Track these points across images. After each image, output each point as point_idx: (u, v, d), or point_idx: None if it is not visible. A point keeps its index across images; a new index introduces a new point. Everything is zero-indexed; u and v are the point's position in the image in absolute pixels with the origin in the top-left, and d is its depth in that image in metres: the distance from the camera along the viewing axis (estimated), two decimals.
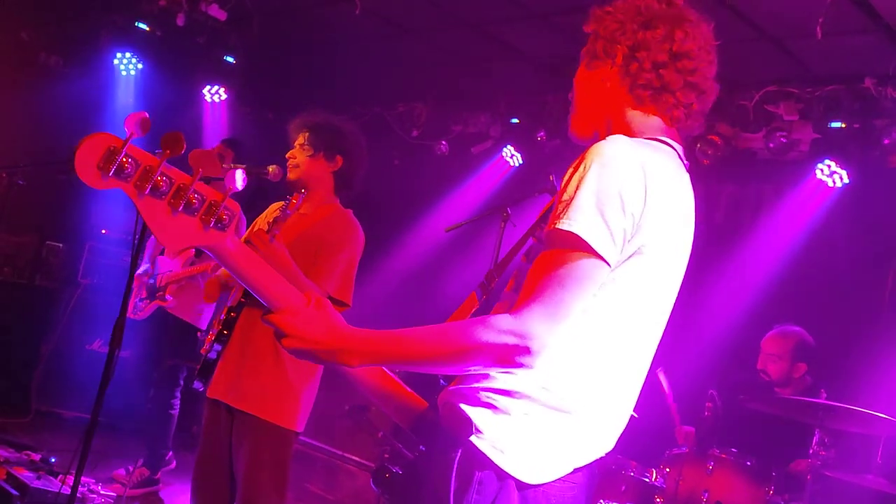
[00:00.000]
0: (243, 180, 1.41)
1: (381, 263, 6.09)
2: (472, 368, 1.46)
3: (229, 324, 3.00)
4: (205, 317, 4.79)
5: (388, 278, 6.21)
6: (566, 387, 1.50)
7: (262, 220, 3.27)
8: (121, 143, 1.29)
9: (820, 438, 3.38)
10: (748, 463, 3.56)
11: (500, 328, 1.40)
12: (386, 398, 1.69)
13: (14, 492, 3.81)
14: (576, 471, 1.53)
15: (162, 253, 4.89)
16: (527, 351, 1.38)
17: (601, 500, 3.58)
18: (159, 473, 4.81)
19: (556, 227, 1.43)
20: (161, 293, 4.49)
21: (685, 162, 1.65)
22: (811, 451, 3.38)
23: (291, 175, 3.12)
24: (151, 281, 4.67)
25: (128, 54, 6.15)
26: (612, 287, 1.49)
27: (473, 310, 1.73)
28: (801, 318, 4.21)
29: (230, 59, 6.31)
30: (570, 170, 1.49)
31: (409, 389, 1.68)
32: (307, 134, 3.14)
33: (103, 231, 6.07)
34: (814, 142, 4.89)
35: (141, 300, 4.72)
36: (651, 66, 1.60)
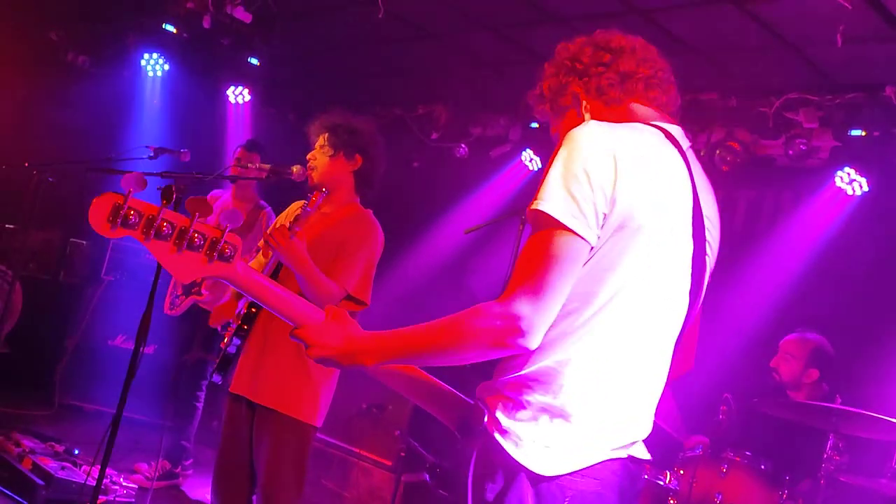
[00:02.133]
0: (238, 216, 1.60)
1: (400, 264, 6.14)
2: (472, 355, 1.53)
3: (249, 319, 3.06)
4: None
5: (407, 278, 6.26)
6: (578, 375, 1.52)
7: (284, 218, 3.34)
8: (122, 199, 1.51)
9: (834, 443, 3.39)
10: (762, 466, 3.57)
11: (488, 313, 1.48)
12: (427, 398, 1.77)
13: (39, 481, 3.90)
14: (599, 465, 1.53)
15: None
16: (517, 331, 1.46)
17: None
18: (179, 467, 4.89)
19: (529, 208, 1.51)
20: (196, 289, 4.57)
21: (681, 142, 1.70)
22: (825, 456, 3.39)
23: (312, 176, 3.18)
24: None
25: (155, 55, 6.25)
26: (607, 265, 1.52)
27: None
28: (818, 325, 4.21)
29: (254, 61, 6.40)
30: (549, 161, 1.57)
31: (450, 389, 1.75)
32: (326, 135, 3.19)
33: None
34: (833, 149, 4.88)
35: (177, 297, 4.82)
36: (605, 68, 1.74)
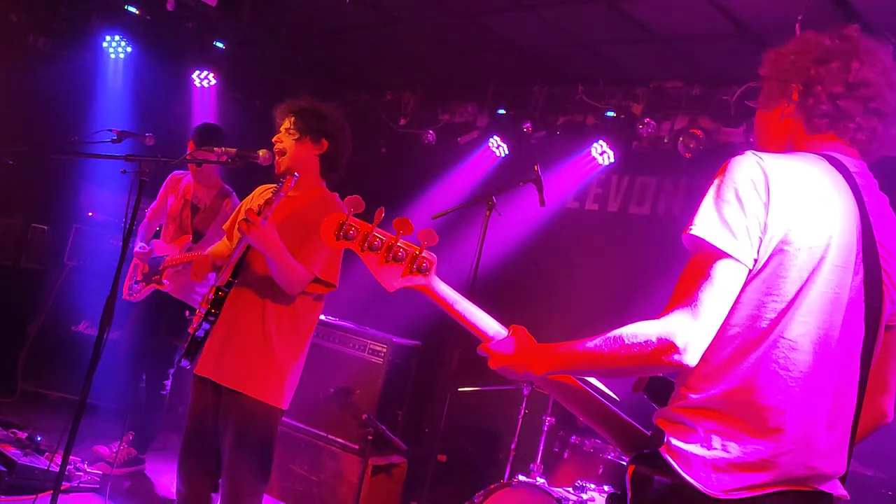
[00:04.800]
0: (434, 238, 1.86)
1: None
2: (631, 371, 1.61)
3: (218, 303, 3.05)
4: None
5: None
6: (743, 398, 1.56)
7: (250, 202, 3.33)
8: (345, 217, 1.83)
9: None
10: None
11: (646, 330, 1.54)
12: (590, 413, 1.83)
13: (2, 468, 3.86)
14: (775, 496, 1.54)
15: (156, 236, 4.93)
16: (673, 348, 1.51)
17: (578, 480, 3.68)
18: (147, 453, 4.87)
19: (684, 233, 1.58)
20: (158, 277, 4.54)
21: (856, 171, 1.68)
22: None
23: (278, 159, 3.18)
24: (154, 257, 4.70)
25: (117, 37, 6.14)
26: (766, 289, 1.55)
27: None
28: None
29: (220, 45, 6.33)
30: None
31: (611, 406, 1.83)
32: (293, 118, 3.19)
33: (90, 213, 6.10)
34: None
35: (136, 283, 4.77)
36: (827, 98, 1.69)
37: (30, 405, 5.52)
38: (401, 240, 1.82)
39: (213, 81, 6.45)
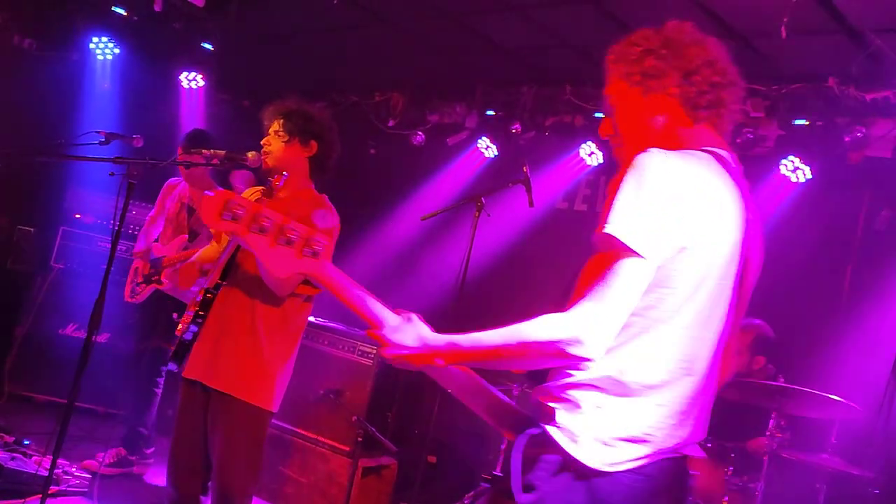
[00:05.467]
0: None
1: (357, 250, 6.15)
2: (537, 362, 1.63)
3: (206, 305, 3.04)
4: None
5: (365, 265, 6.28)
6: (632, 380, 1.61)
7: None
8: (232, 195, 1.67)
9: (776, 421, 3.52)
10: (708, 444, 3.68)
11: (552, 324, 1.57)
12: (479, 402, 1.84)
13: None
14: (654, 464, 1.61)
15: (156, 241, 4.92)
16: (578, 342, 1.54)
17: None
18: (136, 455, 4.84)
19: (598, 231, 1.59)
20: (157, 277, 4.54)
21: (733, 165, 1.76)
22: (767, 433, 3.52)
23: (267, 161, 3.17)
24: (153, 258, 4.72)
25: (104, 38, 6.11)
26: (666, 283, 1.60)
27: None
28: (763, 309, 4.34)
29: (208, 46, 6.31)
30: (614, 185, 1.62)
31: (503, 397, 1.84)
32: (281, 121, 3.19)
33: (77, 216, 6.07)
34: (779, 138, 5.04)
35: (138, 284, 4.77)
36: (710, 87, 1.75)
37: (17, 409, 5.48)
38: (292, 221, 1.69)
39: (202, 83, 6.43)
